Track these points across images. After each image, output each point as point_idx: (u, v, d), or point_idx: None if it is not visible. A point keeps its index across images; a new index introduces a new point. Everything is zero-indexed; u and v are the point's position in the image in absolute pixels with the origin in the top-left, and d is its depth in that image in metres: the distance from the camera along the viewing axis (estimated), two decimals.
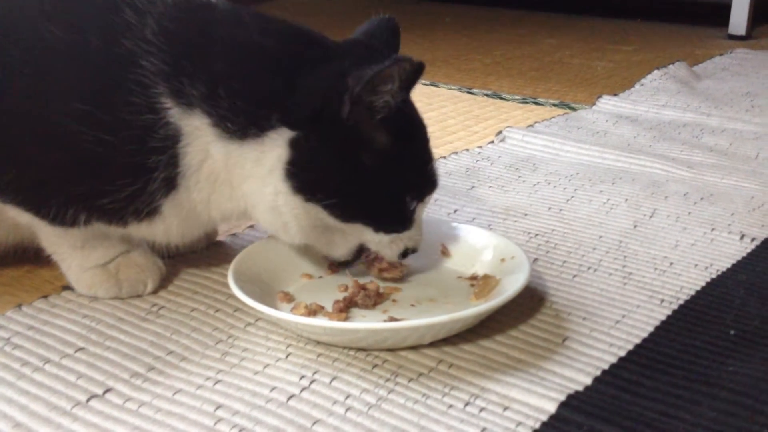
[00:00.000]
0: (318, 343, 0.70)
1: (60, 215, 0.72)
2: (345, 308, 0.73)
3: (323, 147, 0.69)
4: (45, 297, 0.77)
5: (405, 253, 0.77)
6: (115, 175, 0.70)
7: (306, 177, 0.70)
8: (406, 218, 0.75)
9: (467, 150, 1.28)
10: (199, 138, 0.70)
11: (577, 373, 0.66)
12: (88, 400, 0.62)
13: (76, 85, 0.69)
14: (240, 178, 0.72)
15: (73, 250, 0.77)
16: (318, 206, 0.71)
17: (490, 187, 1.11)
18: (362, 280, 0.78)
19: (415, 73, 0.67)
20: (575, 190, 1.09)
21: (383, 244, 0.75)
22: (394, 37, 0.80)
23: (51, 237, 0.77)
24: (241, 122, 0.69)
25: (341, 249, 0.77)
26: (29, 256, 0.82)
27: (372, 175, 0.71)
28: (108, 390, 0.63)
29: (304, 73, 0.70)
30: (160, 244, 0.80)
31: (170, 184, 0.71)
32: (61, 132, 0.69)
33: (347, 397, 0.62)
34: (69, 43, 0.69)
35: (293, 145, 0.69)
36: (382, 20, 0.80)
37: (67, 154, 0.69)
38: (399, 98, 0.68)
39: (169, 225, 0.74)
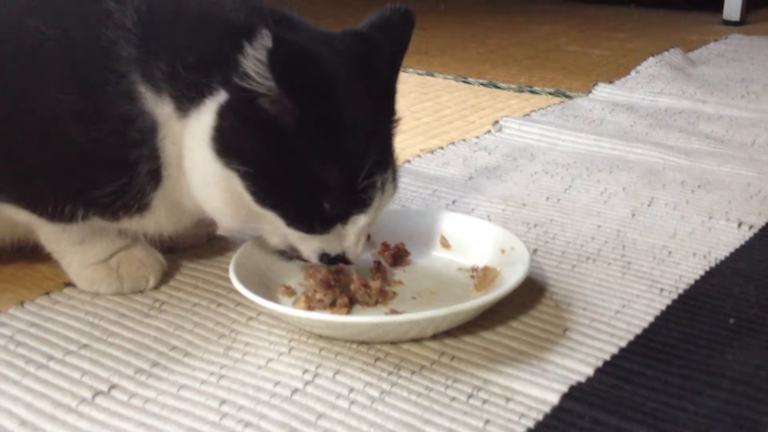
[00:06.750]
0: (320, 336, 0.70)
1: (58, 211, 0.72)
2: (347, 303, 0.73)
3: (242, 111, 0.68)
4: (47, 294, 0.77)
5: (324, 258, 0.73)
6: (103, 169, 0.70)
7: (225, 139, 0.68)
8: (321, 221, 0.70)
9: (464, 140, 1.28)
10: (171, 127, 0.70)
11: (578, 364, 0.66)
12: (93, 397, 0.62)
13: (62, 78, 0.69)
14: (186, 152, 0.71)
15: (73, 247, 0.78)
16: (236, 176, 0.68)
17: (488, 177, 1.11)
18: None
19: (272, 57, 0.63)
20: (573, 179, 1.09)
21: (296, 238, 0.72)
22: (403, 30, 0.75)
23: (50, 234, 0.77)
24: (191, 94, 0.69)
25: (273, 238, 0.75)
26: (29, 253, 0.82)
27: (283, 158, 0.68)
28: (113, 387, 0.63)
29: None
30: (154, 238, 0.80)
31: (156, 177, 0.72)
32: (51, 127, 0.69)
33: (351, 390, 0.63)
34: (53, 38, 0.69)
35: (221, 109, 0.68)
36: (394, 11, 0.75)
37: (58, 149, 0.70)
38: (268, 81, 0.64)
39: (159, 217, 0.75)
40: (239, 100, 0.67)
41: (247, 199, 0.70)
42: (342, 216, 0.71)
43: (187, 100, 0.69)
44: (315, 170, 0.68)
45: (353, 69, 0.71)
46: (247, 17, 0.70)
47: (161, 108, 0.70)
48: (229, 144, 0.68)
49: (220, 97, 0.69)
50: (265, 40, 0.64)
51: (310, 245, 0.73)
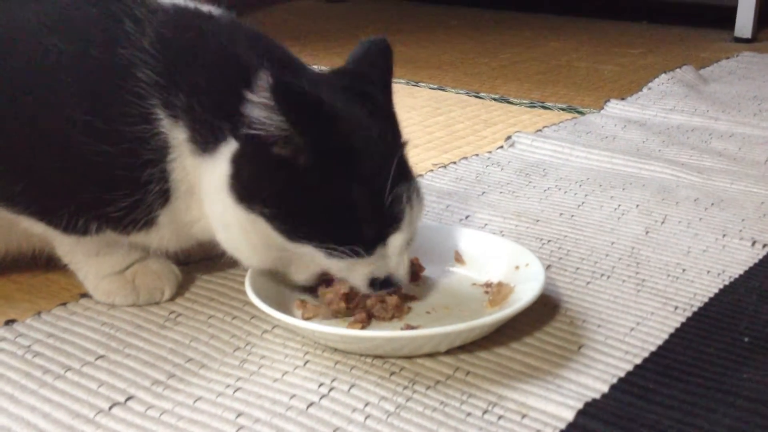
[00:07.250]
0: (335, 350, 0.70)
1: (72, 224, 0.73)
2: (365, 319, 0.73)
3: (256, 157, 0.68)
4: (64, 304, 0.78)
5: (375, 283, 0.72)
6: (115, 185, 0.71)
7: (243, 186, 0.69)
8: (362, 244, 0.70)
9: (477, 155, 1.29)
10: (182, 154, 0.71)
11: (593, 381, 0.66)
12: (110, 408, 0.62)
13: (78, 96, 0.70)
14: (203, 196, 0.73)
15: (88, 258, 0.78)
16: (262, 220, 0.69)
17: (501, 192, 1.11)
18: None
19: (276, 93, 0.64)
20: (586, 195, 1.10)
21: (342, 270, 0.72)
22: (385, 59, 0.77)
23: (66, 246, 0.78)
24: (206, 136, 0.71)
25: (302, 274, 0.75)
26: (46, 264, 0.83)
27: (307, 194, 0.68)
28: (130, 398, 0.64)
29: None
30: (169, 252, 0.81)
31: (165, 195, 0.73)
32: (66, 142, 0.70)
33: (366, 404, 0.63)
34: (70, 55, 0.70)
35: (234, 158, 0.69)
36: (372, 43, 0.77)
37: (72, 163, 0.71)
38: (276, 121, 0.65)
39: (163, 234, 0.76)
40: (250, 148, 0.68)
41: (278, 239, 0.70)
42: (379, 236, 0.71)
43: (202, 141, 0.71)
44: (341, 197, 0.68)
45: (352, 98, 0.72)
46: (254, 61, 0.71)
47: (175, 132, 0.71)
48: (248, 190, 0.69)
49: (232, 145, 0.70)
50: (263, 82, 0.64)
51: (358, 272, 0.72)
